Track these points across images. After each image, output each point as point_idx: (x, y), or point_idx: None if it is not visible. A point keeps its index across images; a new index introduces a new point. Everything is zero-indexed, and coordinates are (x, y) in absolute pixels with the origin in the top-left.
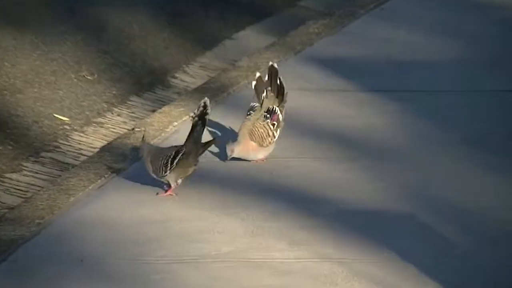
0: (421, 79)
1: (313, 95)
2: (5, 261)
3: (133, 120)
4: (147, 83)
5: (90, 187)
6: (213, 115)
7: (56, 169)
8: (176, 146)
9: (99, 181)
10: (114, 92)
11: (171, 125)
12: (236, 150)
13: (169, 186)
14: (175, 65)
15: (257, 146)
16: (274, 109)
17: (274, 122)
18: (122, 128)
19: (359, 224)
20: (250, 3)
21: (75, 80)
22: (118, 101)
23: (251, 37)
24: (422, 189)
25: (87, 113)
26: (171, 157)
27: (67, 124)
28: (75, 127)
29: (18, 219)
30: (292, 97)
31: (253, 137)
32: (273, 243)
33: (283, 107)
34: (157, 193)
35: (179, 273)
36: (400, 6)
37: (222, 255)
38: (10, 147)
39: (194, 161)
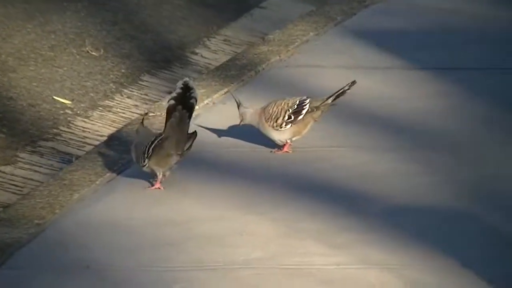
0: (484, 56)
1: (356, 74)
2: None
3: (146, 103)
4: (161, 59)
5: (97, 182)
6: (239, 98)
7: (57, 161)
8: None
9: (107, 175)
10: (123, 70)
11: None
12: (248, 114)
13: (156, 178)
14: (194, 38)
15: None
16: (303, 104)
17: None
18: (133, 112)
19: (409, 225)
20: None
21: (77, 56)
22: (128, 81)
23: (283, 5)
24: (482, 184)
25: (92, 95)
26: (148, 144)
27: (68, 107)
28: (78, 112)
29: (14, 220)
30: (332, 76)
31: (266, 111)
32: (310, 247)
33: (326, 108)
34: (147, 187)
35: (202, 282)
36: None
37: (252, 261)
38: (2, 135)
39: (176, 150)
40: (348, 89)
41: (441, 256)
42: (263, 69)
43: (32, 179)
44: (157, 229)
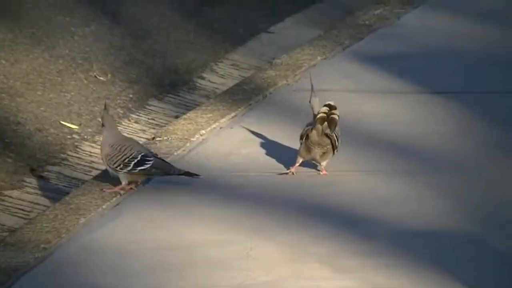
0: (490, 79)
1: (364, 98)
2: None
3: (153, 128)
4: (169, 84)
5: (103, 206)
6: (246, 122)
7: (64, 186)
8: (140, 145)
9: (114, 199)
10: (130, 95)
11: (198, 134)
12: (316, 105)
13: (119, 182)
14: (201, 63)
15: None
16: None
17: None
18: (141, 137)
19: (418, 249)
20: None
21: (85, 81)
22: (135, 106)
23: (291, 29)
24: (495, 208)
25: (100, 119)
26: (137, 160)
27: (76, 132)
28: (85, 136)
29: (20, 244)
30: (340, 100)
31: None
32: (317, 271)
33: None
34: (102, 189)
35: None
36: None
37: (258, 285)
38: (9, 160)
39: (162, 174)
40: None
41: (450, 281)
42: (271, 93)
43: (38, 204)
44: (162, 253)
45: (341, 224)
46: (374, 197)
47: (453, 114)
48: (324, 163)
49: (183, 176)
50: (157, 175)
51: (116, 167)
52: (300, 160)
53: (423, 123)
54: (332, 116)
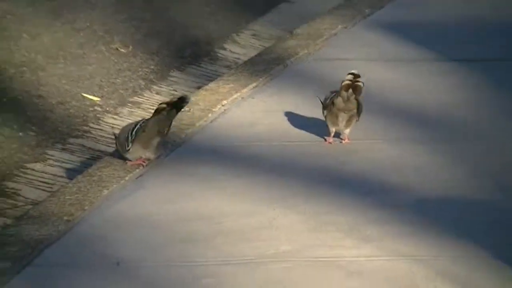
0: (507, 46)
1: (384, 66)
2: (29, 266)
3: None
4: (190, 55)
5: (126, 178)
6: (267, 92)
7: (87, 158)
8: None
9: (136, 171)
10: (152, 66)
11: (219, 104)
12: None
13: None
14: (222, 33)
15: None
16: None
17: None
18: None
19: (440, 216)
20: None
21: (106, 53)
22: (157, 77)
23: None
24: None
25: (121, 91)
26: (130, 130)
27: (98, 105)
28: (107, 108)
29: (43, 217)
30: (360, 68)
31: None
32: (339, 240)
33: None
34: (126, 162)
35: (232, 276)
36: None
37: (281, 254)
38: (32, 133)
39: (158, 131)
40: None
41: (472, 248)
42: (292, 63)
43: (61, 176)
44: (186, 224)
45: (361, 193)
46: (392, 165)
47: (471, 82)
48: (347, 131)
49: (202, 146)
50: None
51: (128, 146)
52: (332, 128)
53: (441, 91)
54: (356, 83)
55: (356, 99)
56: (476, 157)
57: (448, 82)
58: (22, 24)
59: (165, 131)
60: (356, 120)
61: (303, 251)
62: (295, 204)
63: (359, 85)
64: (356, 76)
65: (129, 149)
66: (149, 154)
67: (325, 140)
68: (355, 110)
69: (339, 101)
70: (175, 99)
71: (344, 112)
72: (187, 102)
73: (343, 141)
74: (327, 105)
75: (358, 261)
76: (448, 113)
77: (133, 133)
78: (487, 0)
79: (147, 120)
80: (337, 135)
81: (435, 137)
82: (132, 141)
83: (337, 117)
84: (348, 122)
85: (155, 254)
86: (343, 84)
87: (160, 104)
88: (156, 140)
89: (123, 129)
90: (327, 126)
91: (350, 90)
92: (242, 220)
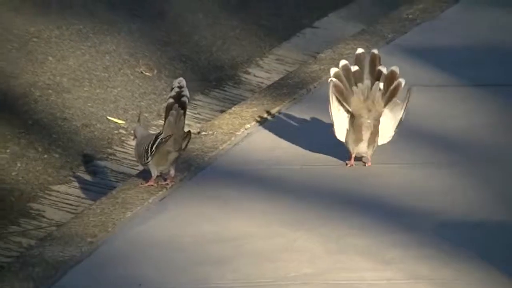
0: None
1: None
2: (52, 287)
3: (199, 122)
4: (214, 79)
5: (149, 200)
6: (290, 116)
7: (111, 180)
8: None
9: (160, 193)
10: None
11: (243, 128)
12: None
13: (150, 175)
14: (247, 58)
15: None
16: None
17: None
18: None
19: (461, 240)
20: None
21: (131, 76)
22: None
23: (335, 24)
24: None
25: (146, 114)
26: (151, 142)
27: (122, 127)
28: (131, 131)
29: (67, 238)
30: None
31: None
32: (360, 263)
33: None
34: (140, 184)
35: None
36: None
37: (302, 276)
38: (57, 155)
39: (174, 147)
40: None
41: (492, 272)
42: (315, 87)
43: (85, 198)
44: (208, 246)
45: (382, 215)
46: (414, 189)
47: (494, 107)
48: (369, 152)
49: (225, 169)
50: (169, 142)
51: (145, 159)
52: (353, 149)
53: (464, 116)
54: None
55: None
56: (498, 181)
57: (468, 106)
58: (48, 47)
59: (182, 146)
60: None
61: (324, 273)
62: (315, 226)
63: (401, 83)
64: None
65: (148, 162)
66: (165, 168)
67: (346, 164)
68: (380, 115)
69: (356, 95)
70: (177, 90)
71: (368, 119)
72: (185, 94)
73: (366, 164)
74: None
75: (378, 284)
76: (471, 138)
77: (153, 147)
78: (509, 26)
79: (164, 136)
80: (357, 158)
81: (456, 161)
82: (152, 155)
83: (360, 129)
84: (371, 139)
85: (177, 276)
86: (357, 54)
87: (168, 99)
88: (172, 156)
89: (142, 141)
90: (348, 148)
91: (377, 83)
92: (263, 242)
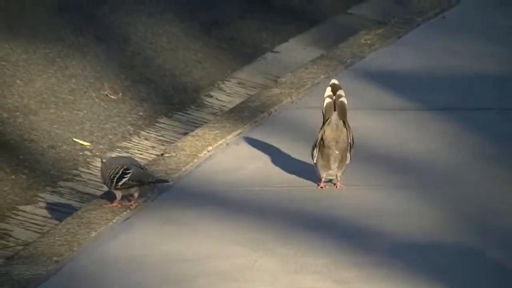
0: (488, 96)
1: (366, 114)
2: None
3: (163, 145)
4: (177, 102)
5: (114, 220)
6: (252, 138)
7: (76, 201)
8: (127, 159)
9: (124, 213)
10: (140, 113)
11: (205, 150)
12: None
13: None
14: (209, 81)
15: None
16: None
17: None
18: (150, 153)
19: (417, 260)
20: (294, 11)
21: (97, 99)
22: (145, 123)
23: (295, 49)
24: (489, 221)
25: (110, 136)
26: (117, 175)
27: (88, 149)
28: (96, 153)
29: (34, 257)
30: None
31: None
32: (318, 283)
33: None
34: (105, 204)
35: None
36: (463, 14)
37: None
38: (23, 176)
39: (139, 185)
40: None
41: None
42: (275, 110)
43: (52, 218)
44: (171, 266)
45: (341, 236)
46: (372, 210)
47: (450, 130)
48: (339, 173)
49: (188, 191)
50: (136, 186)
51: (107, 184)
52: (322, 172)
53: (421, 139)
54: (340, 100)
55: (345, 124)
56: (455, 202)
57: (427, 130)
58: (16, 70)
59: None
60: (350, 159)
61: None
62: (275, 246)
63: (343, 103)
64: (335, 87)
65: (111, 188)
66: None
67: (318, 185)
68: (345, 144)
69: (328, 131)
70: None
71: (335, 146)
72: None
73: (337, 186)
74: (317, 144)
75: None
76: (428, 160)
77: (118, 182)
78: (469, 51)
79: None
80: (316, 179)
81: (416, 183)
82: (115, 188)
83: (328, 159)
84: (341, 163)
85: None
86: (324, 105)
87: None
88: (135, 189)
89: (111, 162)
90: (317, 171)
91: (335, 114)
92: (224, 262)
